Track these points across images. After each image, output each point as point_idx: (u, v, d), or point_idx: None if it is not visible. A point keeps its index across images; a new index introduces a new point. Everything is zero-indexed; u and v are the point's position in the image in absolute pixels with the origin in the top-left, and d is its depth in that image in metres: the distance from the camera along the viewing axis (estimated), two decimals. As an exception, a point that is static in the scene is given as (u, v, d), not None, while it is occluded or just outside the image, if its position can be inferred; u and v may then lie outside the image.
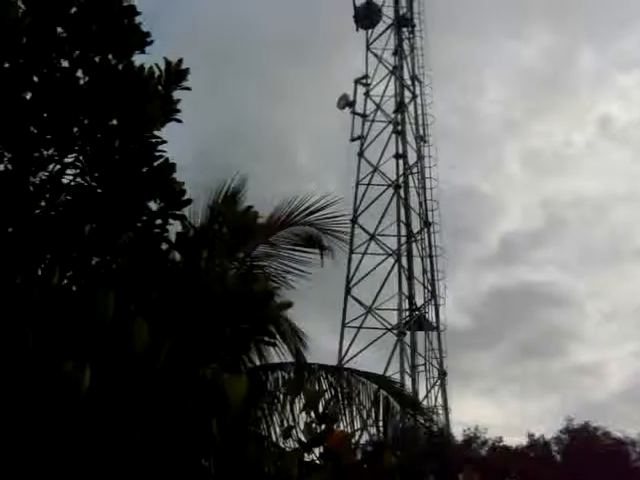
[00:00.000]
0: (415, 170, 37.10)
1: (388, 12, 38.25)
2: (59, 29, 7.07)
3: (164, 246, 7.18)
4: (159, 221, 7.22)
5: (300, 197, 9.61)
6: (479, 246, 56.05)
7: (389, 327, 35.13)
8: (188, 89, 7.42)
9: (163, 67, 7.29)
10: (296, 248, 9.22)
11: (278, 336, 9.40)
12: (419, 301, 36.10)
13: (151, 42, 7.32)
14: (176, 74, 7.30)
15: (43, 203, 6.96)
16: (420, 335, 35.69)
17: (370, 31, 38.57)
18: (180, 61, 7.36)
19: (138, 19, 7.29)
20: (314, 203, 9.50)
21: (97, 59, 7.15)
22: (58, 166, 7.05)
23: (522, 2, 57.04)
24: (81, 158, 7.07)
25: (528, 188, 60.30)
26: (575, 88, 59.10)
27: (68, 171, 7.13)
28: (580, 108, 64.59)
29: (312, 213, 9.40)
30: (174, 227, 7.30)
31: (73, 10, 7.06)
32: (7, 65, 6.66)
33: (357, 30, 38.69)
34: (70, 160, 7.13)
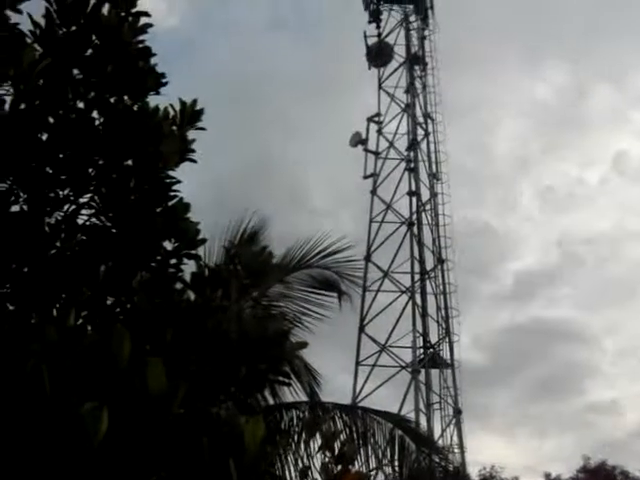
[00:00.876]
0: (428, 207, 37.12)
1: (400, 50, 38.49)
2: (75, 71, 7.14)
3: (179, 286, 7.18)
4: (174, 261, 7.23)
5: (315, 238, 9.62)
6: (494, 283, 55.88)
7: (403, 365, 34.94)
8: (203, 129, 7.46)
9: (178, 108, 7.34)
10: (312, 290, 9.21)
11: (292, 375, 9.37)
12: (433, 338, 35.95)
13: (166, 83, 7.38)
14: (191, 115, 7.35)
15: (58, 243, 6.97)
16: (435, 373, 35.49)
17: (382, 69, 38.85)
18: (195, 102, 7.42)
19: (154, 60, 7.35)
20: (329, 245, 9.50)
21: (112, 100, 7.21)
22: (73, 206, 7.08)
23: (536, 40, 57.39)
24: (96, 198, 7.10)
25: (543, 225, 60.35)
26: (589, 125, 59.30)
27: (83, 211, 7.16)
28: (594, 145, 64.74)
29: (327, 256, 9.39)
30: (189, 267, 7.31)
31: (89, 52, 7.13)
32: (23, 106, 6.71)
33: (369, 69, 38.97)
34: (85, 200, 7.16)
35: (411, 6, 39.21)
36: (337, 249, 9.71)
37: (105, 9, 7.21)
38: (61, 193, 7.06)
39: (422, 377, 34.60)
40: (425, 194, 37.01)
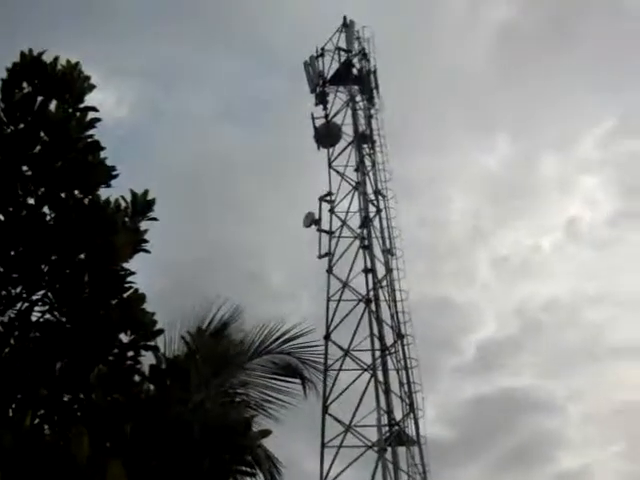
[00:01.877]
0: (385, 283, 37.20)
1: (348, 130, 38.99)
2: (24, 167, 7.13)
3: (137, 378, 7.08)
4: (131, 353, 7.15)
5: (274, 323, 9.56)
6: (456, 355, 55.84)
7: (369, 444, 34.52)
8: (155, 219, 7.46)
9: (129, 199, 7.34)
10: (274, 376, 9.14)
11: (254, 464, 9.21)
12: (398, 415, 35.64)
13: (116, 176, 7.40)
14: (142, 205, 7.35)
15: (12, 342, 6.86)
16: (402, 450, 35.09)
17: (331, 149, 39.17)
18: (146, 192, 7.43)
19: (103, 154, 7.38)
20: (289, 330, 9.45)
21: (63, 195, 7.20)
22: (26, 304, 7.00)
23: (481, 114, 58.52)
24: (49, 294, 7.03)
25: (501, 294, 60.58)
26: (539, 194, 60.31)
27: (37, 308, 7.08)
28: (546, 213, 65.75)
29: (288, 341, 9.35)
30: (147, 358, 7.22)
31: (38, 148, 7.14)
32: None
33: (319, 149, 39.25)
34: (38, 297, 7.08)
35: (356, 87, 39.92)
36: (297, 334, 9.66)
37: (52, 105, 7.26)
38: (13, 291, 6.98)
39: (389, 456, 34.27)
40: (381, 270, 37.14)
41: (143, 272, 7.46)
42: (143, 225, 7.46)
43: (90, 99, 7.50)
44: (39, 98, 7.20)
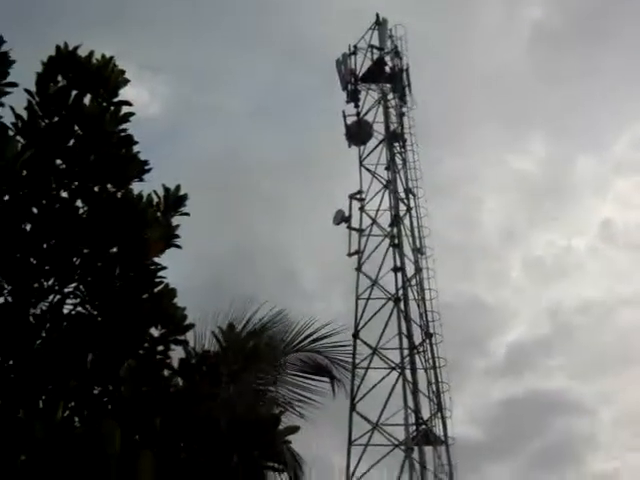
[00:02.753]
0: (414, 282, 37.10)
1: (379, 128, 38.91)
2: (58, 161, 7.17)
3: (167, 372, 7.10)
4: (161, 347, 7.16)
5: (304, 321, 9.55)
6: (487, 356, 55.45)
7: (396, 443, 34.45)
8: (187, 214, 7.48)
9: (162, 194, 7.37)
10: (303, 374, 9.12)
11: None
12: (425, 414, 35.52)
13: (149, 170, 7.41)
14: (175, 200, 7.38)
15: (44, 334, 6.90)
16: (429, 450, 34.98)
17: (362, 147, 39.13)
18: (178, 187, 7.45)
19: (136, 148, 7.40)
20: (319, 329, 9.43)
21: (96, 189, 7.23)
22: (58, 296, 7.03)
23: (516, 115, 58.00)
24: (81, 287, 7.06)
25: (533, 296, 60.04)
26: (574, 195, 59.61)
27: (68, 300, 7.11)
28: (580, 214, 64.99)
29: (317, 340, 9.34)
30: (177, 353, 7.24)
31: (72, 142, 7.17)
32: (7, 198, 6.72)
33: (349, 147, 39.23)
34: (70, 290, 7.12)
35: (388, 85, 39.82)
36: (327, 333, 9.65)
37: (87, 99, 7.29)
38: (46, 283, 7.02)
39: (416, 455, 34.18)
40: (410, 269, 37.03)
41: (174, 267, 7.48)
42: (175, 220, 7.47)
43: (124, 93, 7.53)
44: (73, 92, 7.23)
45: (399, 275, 36.51)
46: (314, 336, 9.37)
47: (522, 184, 57.75)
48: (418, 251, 36.66)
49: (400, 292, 36.08)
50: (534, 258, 57.09)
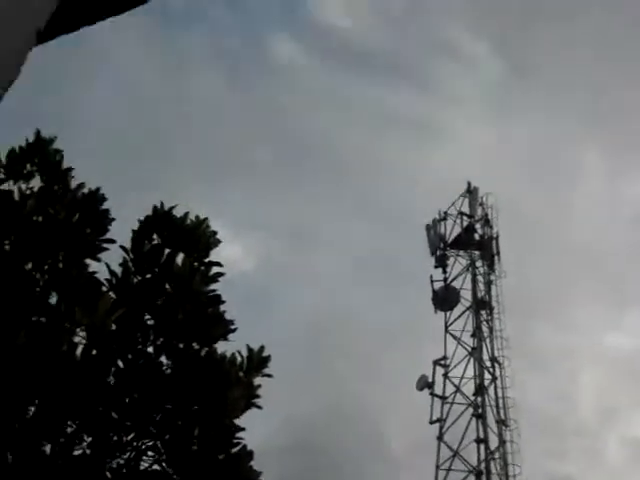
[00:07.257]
0: (497, 455, 35.94)
1: (466, 295, 38.84)
2: (146, 316, 7.32)
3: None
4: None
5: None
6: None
7: None
8: (270, 376, 7.48)
9: (245, 354, 7.41)
10: None
11: None
12: None
13: (234, 330, 7.50)
14: (258, 361, 7.40)
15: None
16: None
17: (449, 313, 39.00)
18: (262, 348, 7.49)
19: (227, 306, 7.53)
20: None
21: (181, 346, 7.32)
22: (134, 452, 7.03)
23: (611, 292, 57.07)
24: (159, 444, 7.05)
25: (631, 478, 57.40)
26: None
27: (144, 457, 7.10)
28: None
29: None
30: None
31: (161, 299, 7.33)
32: (94, 352, 6.84)
33: (436, 312, 39.13)
34: (147, 445, 7.11)
35: (477, 252, 39.96)
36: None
37: (179, 258, 7.50)
38: (125, 438, 7.03)
39: None
40: (493, 441, 35.98)
41: (259, 427, 7.43)
42: (257, 380, 7.48)
43: (217, 252, 7.74)
44: (166, 250, 7.45)
45: (482, 447, 35.47)
46: None
47: (619, 361, 56.27)
48: (502, 423, 35.65)
49: (482, 465, 34.95)
50: (632, 438, 54.84)
